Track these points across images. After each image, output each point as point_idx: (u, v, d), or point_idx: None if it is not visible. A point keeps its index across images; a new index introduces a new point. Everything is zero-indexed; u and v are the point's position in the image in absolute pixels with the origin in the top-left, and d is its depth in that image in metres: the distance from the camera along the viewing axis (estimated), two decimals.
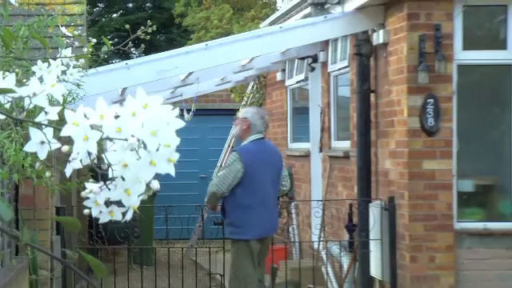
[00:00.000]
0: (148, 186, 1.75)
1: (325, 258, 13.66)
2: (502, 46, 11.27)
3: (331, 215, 13.70)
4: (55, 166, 7.15)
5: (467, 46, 11.20)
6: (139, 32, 5.17)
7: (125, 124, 1.69)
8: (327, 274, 13.62)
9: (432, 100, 10.95)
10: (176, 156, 1.74)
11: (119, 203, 1.79)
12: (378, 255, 11.59)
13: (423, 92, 10.95)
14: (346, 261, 12.56)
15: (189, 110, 17.76)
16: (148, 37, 5.28)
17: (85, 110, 1.69)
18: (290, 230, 15.72)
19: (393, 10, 11.48)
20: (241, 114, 11.37)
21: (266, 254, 10.96)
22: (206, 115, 19.51)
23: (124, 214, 1.80)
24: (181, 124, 1.75)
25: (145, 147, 1.69)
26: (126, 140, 1.69)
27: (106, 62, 19.18)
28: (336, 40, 13.42)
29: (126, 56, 23.10)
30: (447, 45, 10.98)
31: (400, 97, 11.20)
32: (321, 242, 13.66)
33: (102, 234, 15.29)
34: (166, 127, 1.69)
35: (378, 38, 11.80)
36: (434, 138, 11.01)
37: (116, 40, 22.89)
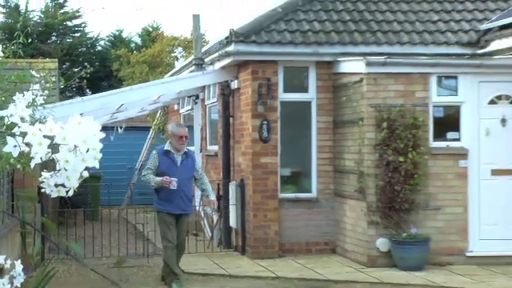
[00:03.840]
0: (81, 174, 1.71)
1: (203, 216, 13.65)
2: (305, 90, 11.42)
3: None
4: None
5: (286, 89, 11.31)
6: (82, 72, 5.23)
7: (68, 134, 1.66)
8: (204, 225, 13.63)
9: (266, 122, 11.04)
10: (99, 155, 1.70)
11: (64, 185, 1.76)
12: (234, 214, 11.63)
13: (260, 117, 11.04)
14: (215, 217, 12.55)
15: (121, 127, 17.60)
16: (88, 75, 5.34)
17: (39, 126, 1.66)
18: None
19: (242, 68, 11.56)
20: (178, 130, 9.26)
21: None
22: (132, 130, 19.25)
23: (67, 192, 1.76)
24: (102, 135, 1.70)
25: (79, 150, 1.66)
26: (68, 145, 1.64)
27: (72, 98, 18.83)
28: (210, 85, 13.42)
29: (83, 95, 22.66)
30: (274, 89, 11.07)
31: (247, 120, 11.26)
32: (200, 206, 13.67)
33: (68, 202, 15.01)
34: (93, 137, 1.66)
35: (234, 84, 11.85)
36: (267, 144, 11.09)
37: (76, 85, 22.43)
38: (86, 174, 1.74)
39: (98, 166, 1.72)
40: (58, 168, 1.67)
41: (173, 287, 8.80)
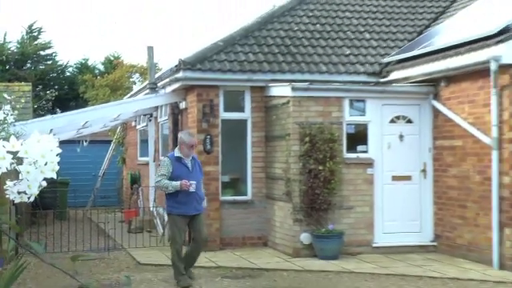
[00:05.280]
0: (40, 183, 1.64)
1: (155, 215, 13.45)
2: (242, 110, 11.38)
3: (160, 193, 13.54)
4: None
5: (226, 109, 11.26)
6: (48, 96, 5.07)
7: (29, 149, 1.58)
8: (157, 223, 13.41)
9: (209, 136, 10.97)
10: (56, 167, 1.63)
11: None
12: None
13: (204, 132, 10.96)
14: (166, 216, 12.38)
15: (86, 141, 17.21)
16: (53, 98, 5.16)
17: (3, 143, 1.57)
18: (139, 201, 15.43)
19: (189, 91, 11.47)
20: (188, 139, 8.16)
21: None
22: (96, 143, 18.88)
23: (29, 198, 1.68)
24: (59, 150, 1.63)
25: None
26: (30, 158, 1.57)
27: (43, 116, 18.32)
28: (162, 106, 13.29)
29: (54, 113, 22.07)
30: (216, 109, 11.02)
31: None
32: (154, 207, 13.48)
33: (39, 204, 14.60)
34: (50, 152, 1.60)
35: (183, 105, 11.76)
36: (210, 155, 11.01)
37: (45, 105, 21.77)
38: (44, 184, 1.67)
39: (55, 176, 1.64)
40: (20, 178, 1.58)
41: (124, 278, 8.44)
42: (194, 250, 8.25)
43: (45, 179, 1.65)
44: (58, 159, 1.64)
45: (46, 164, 1.57)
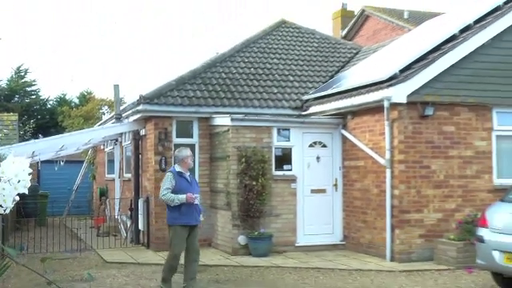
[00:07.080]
0: (14, 198, 1.61)
1: (120, 222, 13.18)
2: (191, 136, 11.30)
3: (123, 203, 13.28)
4: None
5: (178, 135, 11.15)
6: (26, 127, 4.93)
7: (5, 169, 1.56)
8: (121, 228, 13.14)
9: (164, 158, 10.86)
10: (28, 184, 1.61)
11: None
12: (142, 220, 11.30)
13: (160, 155, 10.85)
14: (128, 222, 12.16)
15: (63, 161, 16.70)
16: (31, 128, 5.02)
17: None
18: (106, 211, 15.06)
19: (148, 121, 11.33)
20: (189, 152, 7.30)
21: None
22: (71, 163, 18.36)
23: (5, 210, 1.63)
24: (30, 170, 1.61)
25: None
26: (6, 178, 1.56)
27: (29, 140, 17.71)
28: (126, 132, 13.08)
29: (37, 138, 21.35)
30: (170, 135, 10.94)
31: (151, 156, 11.03)
32: (119, 215, 13.20)
33: (23, 213, 14.04)
34: (22, 171, 1.58)
35: (142, 132, 11.60)
36: (164, 173, 10.87)
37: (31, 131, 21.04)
38: (17, 198, 1.64)
39: (26, 192, 1.61)
40: None
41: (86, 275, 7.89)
42: (192, 261, 7.19)
43: (25, 191, 1.62)
44: (29, 177, 1.62)
45: (18, 181, 1.56)
